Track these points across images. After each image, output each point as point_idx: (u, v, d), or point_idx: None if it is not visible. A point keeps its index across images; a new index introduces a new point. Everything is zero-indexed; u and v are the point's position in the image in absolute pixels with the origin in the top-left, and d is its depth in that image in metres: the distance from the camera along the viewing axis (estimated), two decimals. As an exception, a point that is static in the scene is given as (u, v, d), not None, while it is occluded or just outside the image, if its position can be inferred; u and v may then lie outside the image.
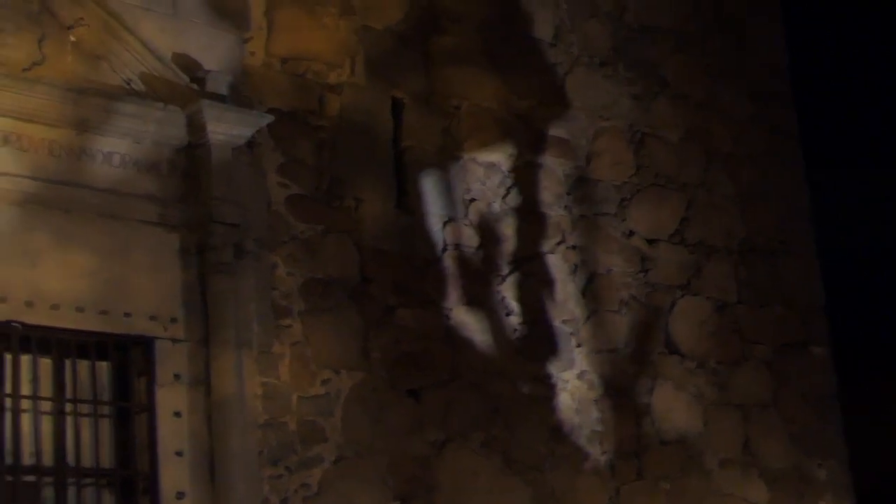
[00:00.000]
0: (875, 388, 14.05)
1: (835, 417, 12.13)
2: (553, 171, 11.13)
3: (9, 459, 8.17)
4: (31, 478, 8.29)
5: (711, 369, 11.56)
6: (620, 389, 11.02)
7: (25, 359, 8.31)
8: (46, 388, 8.44)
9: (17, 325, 8.23)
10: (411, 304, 10.14)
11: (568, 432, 10.65)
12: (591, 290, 11.07)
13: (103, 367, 8.76)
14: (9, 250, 8.26)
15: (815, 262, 12.56)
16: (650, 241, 11.56)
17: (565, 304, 10.89)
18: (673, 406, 11.25)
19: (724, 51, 12.62)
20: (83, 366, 8.62)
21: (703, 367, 11.53)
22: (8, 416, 8.20)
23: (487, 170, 10.78)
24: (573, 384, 10.75)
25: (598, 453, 10.75)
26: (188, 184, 9.07)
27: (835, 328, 12.41)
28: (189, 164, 9.10)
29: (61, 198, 8.50)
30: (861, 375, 12.96)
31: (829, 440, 12.00)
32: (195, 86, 9.11)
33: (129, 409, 8.76)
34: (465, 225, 10.57)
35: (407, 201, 10.35)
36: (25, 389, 8.30)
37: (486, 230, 10.67)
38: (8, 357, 8.24)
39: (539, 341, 10.70)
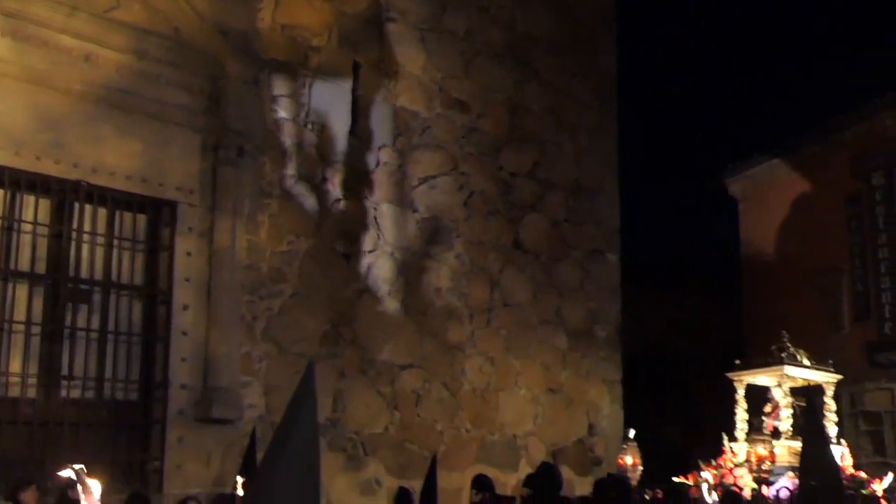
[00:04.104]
0: (643, 283, 14.10)
1: (616, 300, 12.14)
2: (454, 122, 10.89)
3: (72, 272, 7.98)
4: (85, 286, 8.08)
5: (543, 262, 11.47)
6: (482, 267, 10.91)
7: (89, 207, 8.08)
8: (102, 228, 8.21)
9: (85, 183, 7.96)
10: (352, 198, 9.94)
11: (445, 292, 10.54)
12: (470, 203, 10.90)
13: (142, 218, 8.54)
14: (83, 134, 8.01)
15: (617, 200, 12.48)
16: (513, 175, 11.37)
17: (452, 209, 10.72)
18: (515, 282, 11.18)
19: (578, 58, 12.33)
20: (128, 216, 8.42)
21: (538, 260, 11.43)
22: (73, 245, 7.99)
23: (412, 116, 10.52)
24: (451, 261, 10.63)
25: (463, 307, 10.67)
26: (211, 102, 8.77)
27: (624, 243, 12.39)
28: (213, 88, 8.79)
29: (122, 102, 8.23)
30: (634, 274, 12.94)
31: (610, 313, 12.03)
32: (222, 37, 8.79)
33: (157, 248, 8.56)
34: (393, 150, 10.33)
35: (357, 130, 10.09)
36: (87, 227, 8.08)
37: (407, 155, 10.44)
38: (77, 205, 8.02)
39: (434, 231, 10.55)
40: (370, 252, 10.01)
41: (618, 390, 11.95)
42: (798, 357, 8.73)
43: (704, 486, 7.91)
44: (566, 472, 10.69)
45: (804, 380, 8.88)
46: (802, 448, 5.68)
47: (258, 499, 3.29)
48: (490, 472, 9.96)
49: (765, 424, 8.65)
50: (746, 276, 14.92)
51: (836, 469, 5.72)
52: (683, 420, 14.78)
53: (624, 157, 12.75)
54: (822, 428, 5.70)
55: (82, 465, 4.92)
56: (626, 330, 12.20)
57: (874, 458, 12.24)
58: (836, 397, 9.08)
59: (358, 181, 10.01)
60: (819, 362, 8.92)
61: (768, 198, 14.67)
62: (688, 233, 19.14)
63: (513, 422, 10.88)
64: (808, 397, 6.03)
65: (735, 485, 7.86)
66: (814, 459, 5.27)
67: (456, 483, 9.66)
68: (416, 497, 7.57)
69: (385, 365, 9.95)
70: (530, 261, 11.39)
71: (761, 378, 9.07)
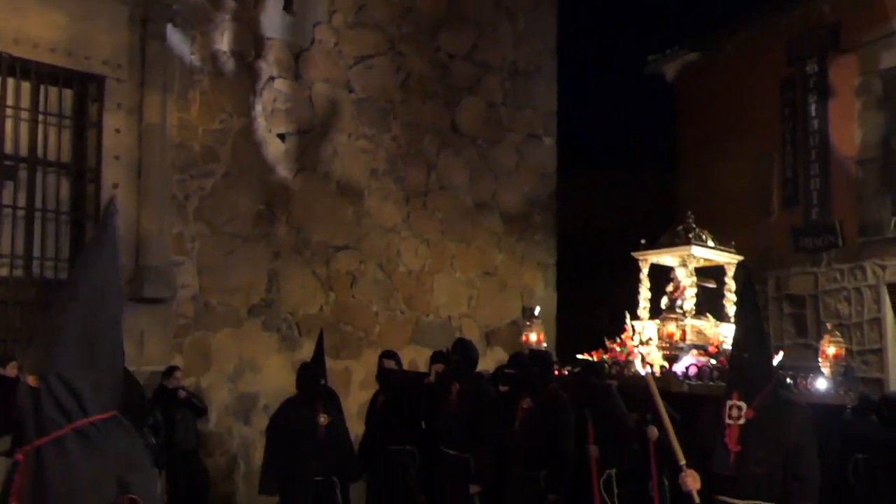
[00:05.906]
0: (579, 167, 14.14)
1: (551, 183, 12.15)
2: (392, 2, 10.66)
3: (-5, 149, 7.77)
4: (10, 163, 7.89)
5: (479, 145, 11.44)
6: (419, 150, 10.86)
7: (11, 81, 7.83)
8: (26, 103, 7.98)
9: (6, 55, 7.69)
10: (288, 77, 9.76)
11: (381, 174, 10.49)
12: (406, 84, 10.76)
13: (68, 93, 8.32)
14: (3, 3, 7.73)
15: (554, 84, 12.39)
16: (451, 56, 11.22)
17: (388, 91, 10.58)
18: (451, 165, 11.16)
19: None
20: (53, 91, 8.20)
21: (474, 143, 11.39)
22: (-4, 120, 7.77)
23: (348, -7, 10.29)
24: (387, 143, 10.56)
25: (398, 189, 10.65)
26: (139, -27, 8.46)
27: (560, 127, 12.34)
28: (141, -42, 8.45)
29: (44, -30, 7.86)
30: (570, 158, 12.95)
31: (545, 197, 12.06)
32: None
33: (84, 124, 8.37)
34: (328, 28, 10.11)
35: (292, 7, 9.83)
36: (10, 102, 7.83)
37: (342, 34, 10.23)
38: (-1, 78, 7.76)
39: (367, 112, 10.42)
40: (304, 132, 9.89)
41: (552, 274, 12.11)
42: (703, 237, 8.83)
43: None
44: (499, 353, 10.91)
45: (706, 260, 9.01)
46: (736, 323, 5.85)
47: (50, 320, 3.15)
48: (424, 353, 10.15)
49: (677, 303, 8.78)
50: (681, 160, 15.05)
51: (767, 343, 5.96)
52: (614, 302, 15.06)
53: (562, 41, 12.63)
54: (756, 305, 5.86)
55: None
56: (562, 214, 12.28)
57: (796, 339, 12.62)
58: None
59: (292, 59, 9.82)
60: (722, 243, 9.03)
61: (704, 83, 14.68)
62: (624, 117, 19.15)
63: (447, 304, 11.01)
64: (746, 275, 6.14)
65: (644, 361, 8.04)
66: (748, 334, 5.47)
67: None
68: None
69: (320, 246, 9.95)
70: (467, 144, 11.35)
71: (666, 258, 9.18)
